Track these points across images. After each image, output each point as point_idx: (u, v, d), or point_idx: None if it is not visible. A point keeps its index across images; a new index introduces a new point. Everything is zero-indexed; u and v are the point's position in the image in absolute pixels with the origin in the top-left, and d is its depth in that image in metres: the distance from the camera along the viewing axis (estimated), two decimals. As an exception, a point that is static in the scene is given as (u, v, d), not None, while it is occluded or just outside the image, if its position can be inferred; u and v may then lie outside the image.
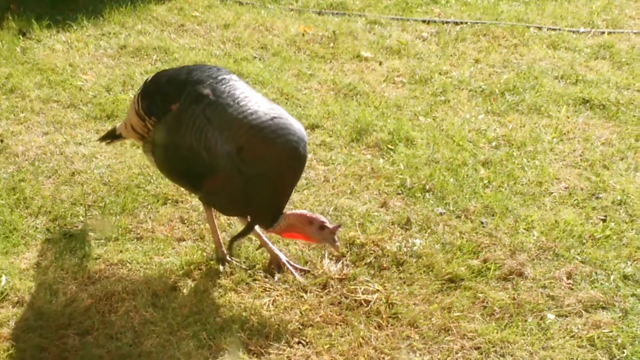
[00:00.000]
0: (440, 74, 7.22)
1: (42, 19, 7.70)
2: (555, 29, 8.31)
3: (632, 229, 5.15)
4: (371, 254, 4.83)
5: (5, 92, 6.50)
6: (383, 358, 4.15)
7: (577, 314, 4.47)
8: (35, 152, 5.70)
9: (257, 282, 4.61)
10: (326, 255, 4.80)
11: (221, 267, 4.68)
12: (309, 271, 4.71)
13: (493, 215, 5.22)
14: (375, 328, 4.34)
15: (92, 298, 4.44)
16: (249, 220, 4.54)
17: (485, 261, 4.81)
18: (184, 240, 4.93)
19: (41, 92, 6.51)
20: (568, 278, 4.72)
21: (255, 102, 4.32)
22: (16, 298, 4.43)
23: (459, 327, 4.35)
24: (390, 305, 4.48)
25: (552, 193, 5.50)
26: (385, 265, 4.76)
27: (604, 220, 5.23)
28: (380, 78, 7.12)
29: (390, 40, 7.86)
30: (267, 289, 4.57)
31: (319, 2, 8.84)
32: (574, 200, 5.43)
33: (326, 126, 6.19)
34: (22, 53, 7.16)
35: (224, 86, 4.36)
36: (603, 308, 4.52)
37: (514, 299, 4.55)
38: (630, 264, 4.83)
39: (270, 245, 4.75)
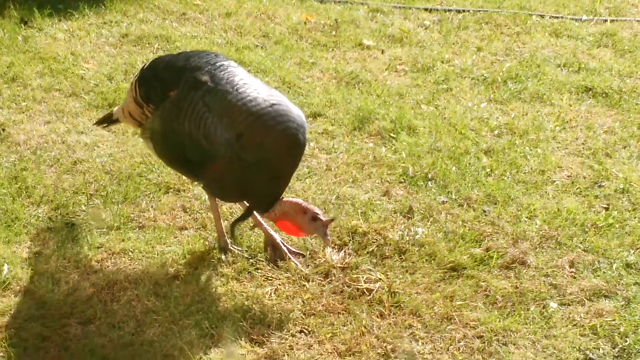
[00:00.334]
0: (442, 62, 7.20)
1: (44, 8, 7.68)
2: (557, 17, 8.29)
3: (635, 217, 5.14)
4: (373, 242, 4.83)
5: (7, 80, 6.49)
6: (385, 347, 4.15)
7: (580, 303, 4.47)
8: (37, 141, 5.69)
9: (259, 271, 4.61)
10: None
11: (223, 256, 4.68)
12: (303, 255, 4.71)
13: (495, 204, 5.22)
14: (377, 317, 4.34)
15: (94, 287, 4.44)
16: (248, 205, 4.54)
17: (487, 250, 4.81)
18: (186, 229, 4.93)
19: (43, 80, 6.50)
20: (570, 266, 4.72)
21: (255, 88, 4.30)
22: (18, 287, 4.43)
23: (462, 315, 4.35)
24: (393, 294, 4.47)
25: (554, 181, 5.49)
26: (387, 254, 4.76)
27: (606, 209, 5.22)
28: (383, 66, 7.11)
29: (392, 29, 7.85)
30: (269, 278, 4.56)
31: (321, -10, 8.83)
32: (577, 188, 5.42)
33: (328, 115, 6.19)
34: (23, 42, 7.15)
35: (222, 72, 4.34)
36: (605, 296, 4.52)
37: (517, 287, 4.55)
38: (633, 253, 4.83)
39: (265, 225, 4.74)
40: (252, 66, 6.80)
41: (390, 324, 4.30)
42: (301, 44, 7.47)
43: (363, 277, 4.58)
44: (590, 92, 6.72)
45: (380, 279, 4.57)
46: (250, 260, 4.67)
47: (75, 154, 5.56)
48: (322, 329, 4.23)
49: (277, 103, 4.26)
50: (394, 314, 4.36)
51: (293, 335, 4.21)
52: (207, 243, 4.80)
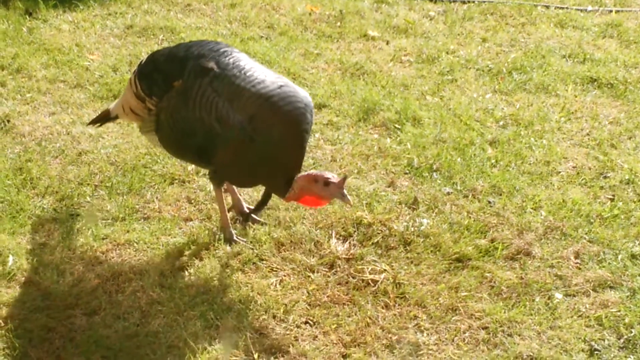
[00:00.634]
0: (447, 53, 7.19)
1: (48, -1, 7.69)
2: (562, 8, 8.27)
3: (640, 208, 5.15)
4: (378, 233, 4.83)
5: (12, 72, 6.49)
6: (390, 338, 4.16)
7: (585, 294, 4.47)
8: (42, 132, 5.69)
9: (264, 262, 4.61)
10: (333, 235, 4.80)
11: (228, 247, 4.69)
12: (265, 223, 4.84)
13: (500, 195, 5.22)
14: (382, 308, 4.34)
15: (99, 278, 4.45)
16: (265, 190, 4.64)
17: (492, 241, 4.81)
18: (191, 220, 4.93)
19: (48, 72, 6.50)
20: (576, 257, 4.72)
21: (261, 72, 4.40)
22: (23, 278, 4.44)
23: (467, 306, 4.35)
24: (398, 285, 4.48)
25: (559, 172, 5.49)
26: (392, 245, 4.76)
27: (611, 200, 5.22)
28: (387, 57, 7.10)
29: (397, 19, 7.83)
30: (274, 269, 4.57)
31: (325, -19, 8.82)
32: (582, 179, 5.41)
33: (333, 106, 6.18)
34: (28, 33, 7.14)
35: (227, 58, 4.42)
36: (611, 287, 4.52)
37: (522, 278, 4.55)
38: (638, 243, 4.82)
39: (236, 192, 4.92)
40: (257, 57, 6.79)
41: (395, 315, 4.30)
42: (306, 35, 7.46)
43: (368, 268, 4.58)
44: (596, 83, 6.70)
45: (385, 270, 4.57)
46: (255, 251, 4.67)
47: (80, 145, 5.56)
48: (327, 320, 4.24)
49: (285, 85, 4.36)
50: (399, 305, 4.37)
51: (298, 326, 4.21)
52: (212, 234, 4.80)
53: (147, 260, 4.59)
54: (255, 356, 4.05)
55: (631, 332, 4.23)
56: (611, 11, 8.23)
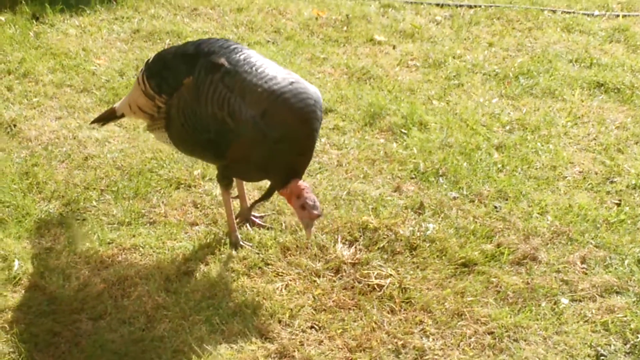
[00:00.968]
0: (454, 57, 7.20)
1: (56, 4, 7.69)
2: (569, 12, 8.27)
3: (647, 213, 5.14)
4: (384, 238, 4.82)
5: (19, 76, 6.50)
6: (396, 343, 4.15)
7: (591, 299, 4.46)
8: (49, 137, 5.70)
9: (269, 266, 4.61)
10: (339, 240, 4.80)
11: (234, 252, 4.69)
12: (271, 228, 4.88)
13: (507, 200, 5.21)
14: (388, 313, 4.34)
15: (105, 283, 4.45)
16: (270, 184, 4.63)
17: (498, 245, 4.80)
18: (197, 224, 4.93)
19: (54, 76, 6.52)
20: (582, 262, 4.71)
21: (272, 68, 4.41)
22: (29, 283, 4.44)
23: (472, 311, 4.34)
24: (403, 290, 4.47)
25: (566, 177, 5.48)
26: (398, 249, 4.76)
27: (618, 205, 5.21)
28: (394, 62, 7.10)
29: (403, 24, 7.84)
30: (280, 274, 4.56)
31: (332, -14, 8.83)
32: (588, 184, 5.40)
33: (339, 110, 6.18)
34: (35, 37, 7.16)
35: (237, 54, 4.44)
36: (617, 293, 4.51)
37: (528, 283, 4.54)
38: (645, 249, 4.82)
39: (246, 199, 4.97)
40: (263, 62, 6.80)
41: (400, 319, 4.29)
42: (312, 39, 7.47)
43: (374, 272, 4.58)
44: (602, 88, 6.70)
45: (391, 274, 4.57)
46: (261, 255, 4.67)
47: (86, 149, 5.57)
48: (333, 324, 4.23)
49: (296, 81, 4.38)
50: (404, 309, 4.36)
51: (304, 331, 4.21)
52: (218, 239, 4.80)
53: (153, 264, 4.59)
54: (261, 361, 4.06)
55: (637, 337, 4.22)
56: (618, 16, 8.23)
